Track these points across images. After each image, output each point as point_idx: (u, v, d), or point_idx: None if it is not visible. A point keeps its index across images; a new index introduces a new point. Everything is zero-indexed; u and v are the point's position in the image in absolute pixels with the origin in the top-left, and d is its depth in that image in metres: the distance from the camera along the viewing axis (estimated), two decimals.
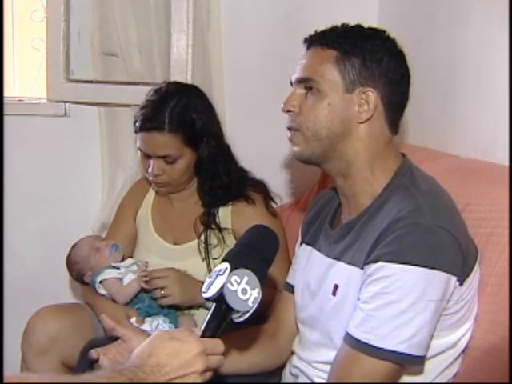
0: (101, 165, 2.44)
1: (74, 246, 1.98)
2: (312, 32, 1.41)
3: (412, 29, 2.06)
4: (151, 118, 1.83)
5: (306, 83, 1.36)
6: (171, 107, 1.84)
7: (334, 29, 1.39)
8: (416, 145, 1.97)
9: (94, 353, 1.31)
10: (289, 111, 1.38)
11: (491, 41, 1.65)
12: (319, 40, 1.37)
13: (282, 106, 1.39)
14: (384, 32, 1.39)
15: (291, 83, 1.41)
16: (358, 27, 1.39)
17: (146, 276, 1.81)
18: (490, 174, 1.53)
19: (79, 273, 1.94)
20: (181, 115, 1.84)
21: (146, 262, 1.88)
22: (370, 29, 1.39)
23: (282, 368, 1.54)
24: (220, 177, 1.92)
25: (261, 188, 1.97)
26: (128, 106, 2.28)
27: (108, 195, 2.41)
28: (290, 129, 1.40)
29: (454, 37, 1.85)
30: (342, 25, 1.39)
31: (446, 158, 1.74)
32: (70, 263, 1.96)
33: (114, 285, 1.85)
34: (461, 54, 1.81)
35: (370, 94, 1.33)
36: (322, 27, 1.40)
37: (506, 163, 1.51)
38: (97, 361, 1.32)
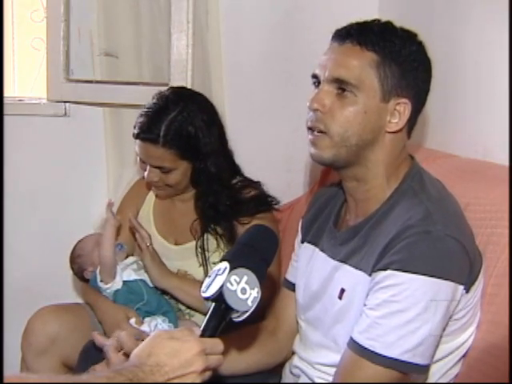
0: (106, 164, 2.44)
1: (80, 240, 1.98)
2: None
3: (411, 29, 2.05)
4: (146, 129, 1.80)
5: (342, 84, 1.27)
6: (168, 120, 1.79)
7: (369, 26, 1.31)
8: (416, 145, 1.96)
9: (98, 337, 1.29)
10: (316, 110, 1.29)
11: (491, 41, 1.65)
12: (357, 38, 1.28)
13: (308, 103, 1.30)
14: (416, 35, 1.34)
15: (314, 76, 1.33)
16: (391, 26, 1.32)
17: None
18: (490, 173, 1.53)
19: (80, 267, 1.94)
20: (177, 130, 1.79)
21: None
22: (403, 30, 1.32)
23: (281, 366, 1.53)
24: (213, 196, 1.87)
25: (257, 207, 1.89)
26: (130, 106, 2.28)
27: (114, 194, 2.41)
28: (312, 128, 1.31)
29: (453, 36, 1.84)
30: (373, 21, 1.32)
31: (446, 158, 1.74)
32: (73, 256, 1.95)
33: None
34: (460, 54, 1.81)
35: (404, 105, 1.29)
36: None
37: (506, 163, 1.51)
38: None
